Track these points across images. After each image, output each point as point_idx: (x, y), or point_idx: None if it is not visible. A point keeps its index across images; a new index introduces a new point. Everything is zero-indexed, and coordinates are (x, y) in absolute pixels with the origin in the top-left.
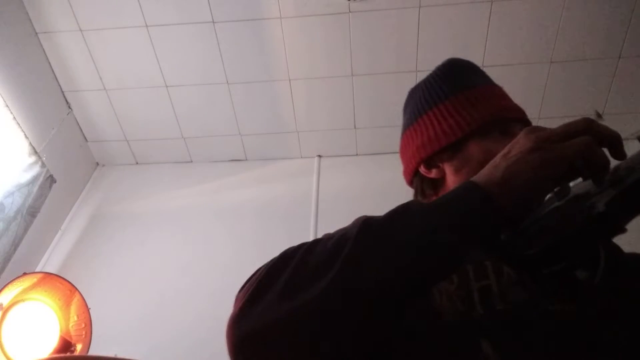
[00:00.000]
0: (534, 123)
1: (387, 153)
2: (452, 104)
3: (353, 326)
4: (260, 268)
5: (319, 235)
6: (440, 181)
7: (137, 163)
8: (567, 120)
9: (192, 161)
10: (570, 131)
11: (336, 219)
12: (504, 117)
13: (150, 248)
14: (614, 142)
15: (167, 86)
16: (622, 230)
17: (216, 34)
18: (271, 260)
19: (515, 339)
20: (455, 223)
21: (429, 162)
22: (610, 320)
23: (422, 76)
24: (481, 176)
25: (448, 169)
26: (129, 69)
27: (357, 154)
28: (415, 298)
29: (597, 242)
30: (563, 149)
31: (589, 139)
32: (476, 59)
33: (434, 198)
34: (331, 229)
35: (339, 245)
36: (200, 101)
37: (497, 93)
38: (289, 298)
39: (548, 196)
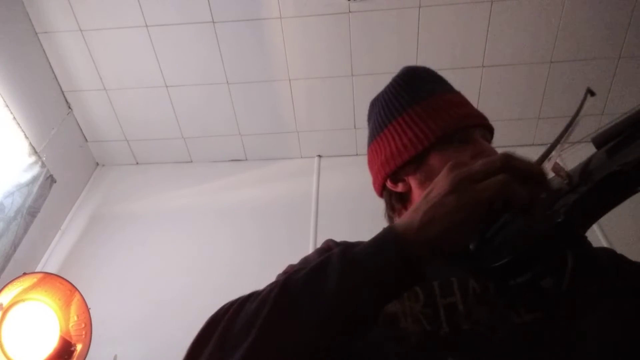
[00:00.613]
0: (534, 123)
1: None
2: (410, 117)
3: None
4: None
5: (319, 236)
6: (407, 194)
7: (137, 163)
8: (567, 120)
9: (192, 161)
10: (489, 169)
11: (336, 219)
12: (463, 125)
13: (150, 248)
14: (534, 178)
15: (167, 86)
16: (581, 237)
17: (216, 34)
18: (207, 320)
19: (483, 357)
20: (371, 281)
21: (395, 177)
22: (576, 322)
23: None
24: (403, 221)
25: (413, 183)
26: (129, 69)
27: (357, 154)
28: (345, 350)
29: (560, 253)
30: (478, 191)
31: (504, 178)
32: (476, 59)
33: (403, 211)
34: (331, 229)
35: (258, 310)
36: (200, 101)
37: (454, 101)
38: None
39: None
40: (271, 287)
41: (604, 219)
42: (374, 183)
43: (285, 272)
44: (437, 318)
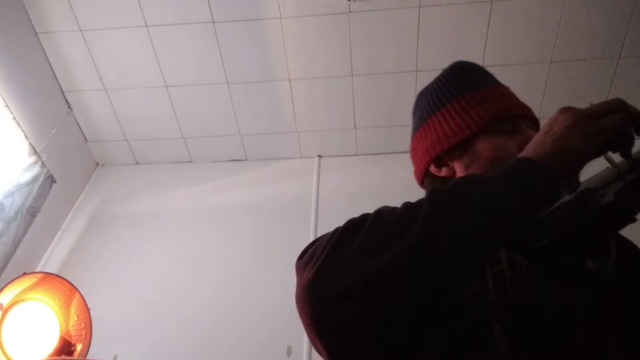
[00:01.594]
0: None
1: (387, 153)
2: (460, 104)
3: (437, 284)
4: (319, 238)
5: (320, 235)
6: (450, 180)
7: (137, 163)
8: None
9: (192, 161)
10: (605, 108)
11: (336, 219)
12: (511, 114)
13: (150, 248)
14: None
15: (167, 86)
16: (632, 220)
17: (216, 34)
18: (336, 229)
19: (524, 324)
20: (519, 193)
21: (439, 161)
22: (620, 311)
23: (422, 76)
24: (528, 152)
25: (458, 167)
26: (129, 69)
27: (357, 154)
28: (485, 259)
29: (609, 234)
30: (602, 123)
31: (625, 116)
32: (476, 59)
33: None
34: (331, 229)
35: (413, 209)
36: (200, 101)
37: (503, 92)
38: (371, 257)
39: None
40: (407, 203)
41: None
42: (416, 170)
43: (379, 210)
44: (485, 285)
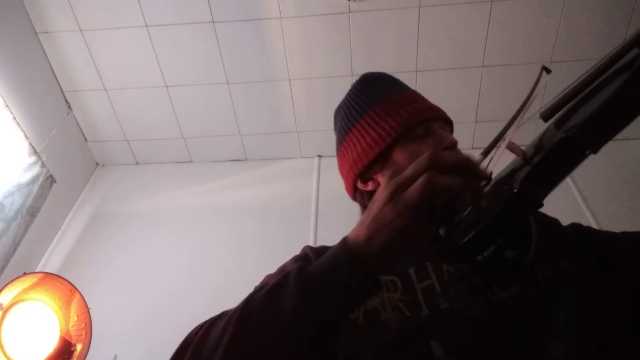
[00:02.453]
0: (534, 123)
1: None
2: (371, 117)
3: None
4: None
5: (319, 235)
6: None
7: (137, 163)
8: None
9: (192, 161)
10: (416, 172)
11: (336, 219)
12: (420, 119)
13: (150, 248)
14: (464, 168)
15: (167, 86)
16: (539, 205)
17: (216, 34)
18: (176, 349)
19: (462, 335)
20: (326, 299)
21: (364, 177)
22: (549, 297)
23: (422, 76)
24: (352, 234)
25: (381, 180)
26: (129, 69)
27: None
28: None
29: (520, 222)
30: (407, 197)
31: (426, 177)
32: (476, 59)
33: None
34: (331, 229)
35: (222, 333)
36: (200, 101)
37: (410, 98)
38: None
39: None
40: (235, 309)
41: (602, 213)
42: (346, 186)
43: (261, 284)
44: (416, 302)
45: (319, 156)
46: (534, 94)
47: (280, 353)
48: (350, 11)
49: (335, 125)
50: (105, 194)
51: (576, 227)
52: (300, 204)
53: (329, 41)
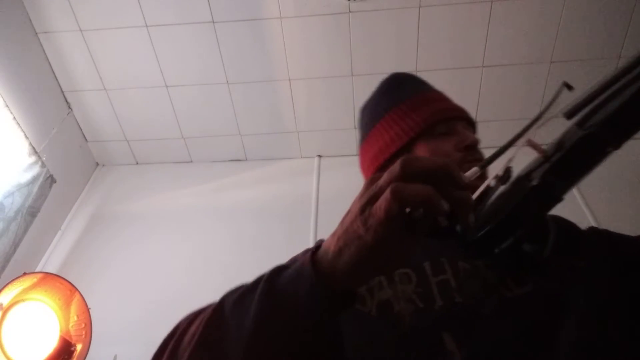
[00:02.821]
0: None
1: None
2: (396, 113)
3: None
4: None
5: (319, 235)
6: None
7: (137, 163)
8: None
9: (192, 161)
10: (387, 182)
11: (336, 219)
12: (443, 117)
13: (150, 248)
14: (441, 174)
15: (167, 86)
16: (559, 200)
17: (216, 34)
18: (161, 341)
19: (476, 331)
20: (285, 314)
21: (384, 171)
22: (564, 296)
23: (422, 76)
24: (323, 246)
25: None
26: (129, 69)
27: (357, 154)
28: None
29: (539, 215)
30: (375, 211)
31: (393, 187)
32: (476, 59)
33: None
34: (331, 229)
35: (195, 330)
36: (200, 101)
37: (436, 97)
38: None
39: (493, 183)
40: (211, 306)
41: (602, 213)
42: None
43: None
44: (430, 294)
45: (319, 156)
46: (550, 108)
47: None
48: (350, 11)
49: (360, 122)
50: (105, 194)
51: (593, 229)
52: (300, 204)
53: (329, 41)
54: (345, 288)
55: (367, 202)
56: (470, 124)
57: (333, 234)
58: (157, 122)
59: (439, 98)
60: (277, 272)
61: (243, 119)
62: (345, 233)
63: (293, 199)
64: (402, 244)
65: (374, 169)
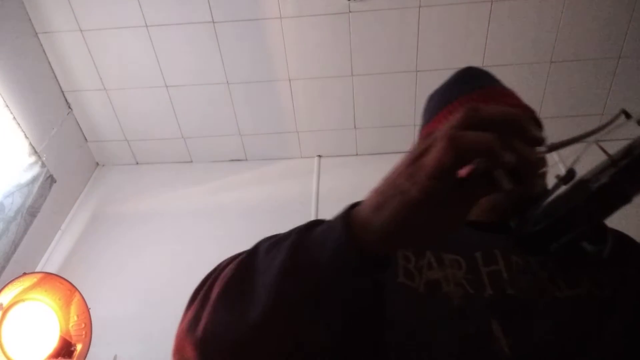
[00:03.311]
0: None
1: (387, 153)
2: (465, 100)
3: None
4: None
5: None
6: None
7: (137, 163)
8: (567, 121)
9: (192, 161)
10: (445, 132)
11: None
12: None
13: (150, 248)
14: (509, 124)
15: (167, 86)
16: (628, 200)
17: (216, 34)
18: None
19: (525, 324)
20: (313, 267)
21: None
22: (616, 306)
23: (422, 76)
24: (363, 201)
25: None
26: (129, 69)
27: (357, 154)
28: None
29: (604, 215)
30: (425, 162)
31: (449, 134)
32: (476, 59)
33: None
34: None
35: (226, 273)
36: (200, 101)
37: (507, 93)
38: (193, 316)
39: (554, 183)
40: (248, 250)
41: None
42: None
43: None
44: (481, 282)
45: (319, 156)
46: (604, 131)
47: (264, 313)
48: (350, 11)
49: (426, 106)
50: (105, 194)
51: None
52: (300, 204)
53: (329, 41)
54: (378, 248)
55: (418, 154)
56: (538, 124)
57: (373, 191)
58: (157, 122)
59: (510, 94)
60: (313, 224)
61: (243, 119)
62: (388, 187)
63: (293, 199)
64: (450, 206)
65: None
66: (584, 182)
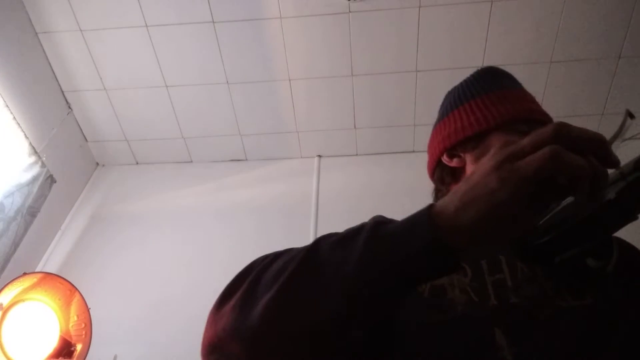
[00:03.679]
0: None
1: (387, 153)
2: (482, 100)
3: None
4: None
5: (319, 235)
6: (459, 171)
7: (137, 163)
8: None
9: (192, 161)
10: (537, 142)
11: (336, 219)
12: (528, 117)
13: (150, 248)
14: (594, 146)
15: (167, 86)
16: (634, 217)
17: (216, 34)
18: (236, 275)
19: (528, 333)
20: (393, 261)
21: (452, 152)
22: (623, 317)
23: (422, 76)
24: (442, 202)
25: (468, 159)
26: (129, 69)
27: (357, 154)
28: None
29: (610, 231)
30: (521, 167)
31: (551, 149)
32: (476, 59)
33: (452, 186)
34: (331, 229)
35: (285, 266)
36: (200, 101)
37: (526, 97)
38: (240, 311)
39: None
40: (302, 248)
41: None
42: (429, 160)
43: (290, 249)
44: (485, 291)
45: (319, 156)
46: (619, 138)
47: (334, 303)
48: (350, 11)
49: (443, 103)
50: (105, 194)
51: None
52: (300, 203)
53: (329, 41)
54: (461, 247)
55: (506, 158)
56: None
57: (454, 192)
58: (157, 122)
59: (529, 99)
60: (381, 222)
61: (243, 119)
62: (473, 188)
63: (293, 198)
64: (524, 213)
65: (444, 147)
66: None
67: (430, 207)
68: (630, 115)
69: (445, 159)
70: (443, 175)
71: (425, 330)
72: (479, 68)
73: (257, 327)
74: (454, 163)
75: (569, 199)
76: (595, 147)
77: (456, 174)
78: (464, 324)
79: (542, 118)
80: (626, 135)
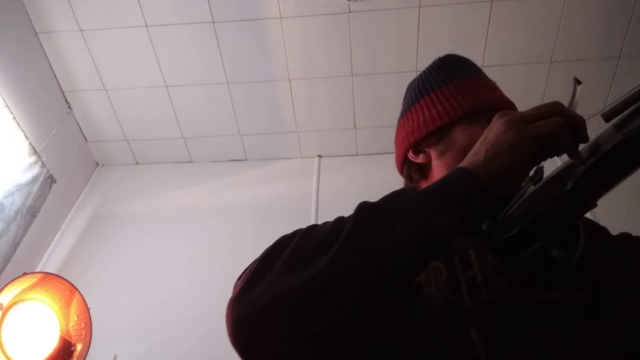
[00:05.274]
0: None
1: (387, 153)
2: (443, 93)
3: (351, 304)
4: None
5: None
6: (426, 166)
7: (137, 163)
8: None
9: (192, 161)
10: (541, 113)
11: None
12: (492, 106)
13: (150, 248)
14: (579, 126)
15: (167, 86)
16: (592, 205)
17: (216, 34)
18: (269, 246)
19: (501, 329)
20: (447, 204)
21: (417, 148)
22: (593, 306)
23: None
24: (464, 163)
25: (433, 154)
26: (129, 69)
27: (357, 154)
28: (409, 277)
29: (571, 221)
30: (537, 128)
31: (562, 120)
32: (476, 59)
33: (421, 183)
34: None
35: (338, 227)
36: (200, 101)
37: (487, 85)
38: (289, 276)
39: (524, 184)
40: (338, 218)
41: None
42: (396, 157)
43: (315, 225)
44: (459, 291)
45: (319, 156)
46: (574, 105)
47: (399, 248)
48: (350, 11)
49: (404, 97)
50: (105, 194)
51: (626, 236)
52: (300, 204)
53: (329, 41)
54: (493, 189)
55: (518, 120)
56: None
57: (475, 152)
58: (157, 122)
59: (490, 87)
60: (409, 188)
61: (243, 119)
62: (495, 144)
63: (293, 198)
64: (527, 165)
65: (408, 143)
66: (552, 181)
67: (458, 167)
68: (577, 81)
69: (411, 155)
70: (411, 172)
71: (401, 330)
72: (438, 57)
73: (322, 278)
74: (420, 159)
75: (531, 188)
76: (578, 127)
77: (423, 170)
78: (438, 322)
79: (502, 105)
80: (577, 100)
